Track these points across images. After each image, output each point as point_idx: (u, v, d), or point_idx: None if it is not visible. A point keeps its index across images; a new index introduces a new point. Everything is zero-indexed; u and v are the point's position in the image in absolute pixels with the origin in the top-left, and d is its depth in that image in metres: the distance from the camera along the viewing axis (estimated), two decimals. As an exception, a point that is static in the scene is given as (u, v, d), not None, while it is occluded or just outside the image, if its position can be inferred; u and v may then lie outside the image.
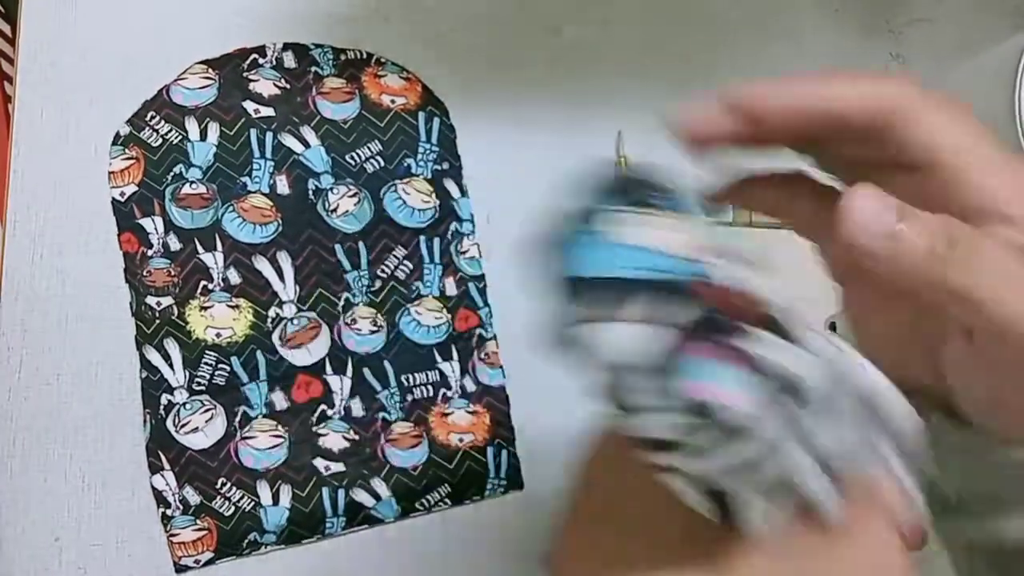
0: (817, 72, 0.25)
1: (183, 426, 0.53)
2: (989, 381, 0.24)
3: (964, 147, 0.23)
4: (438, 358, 0.56)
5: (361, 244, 0.56)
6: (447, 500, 0.55)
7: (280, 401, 0.54)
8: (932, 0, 0.68)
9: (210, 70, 0.56)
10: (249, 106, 0.56)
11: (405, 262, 0.57)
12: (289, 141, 0.56)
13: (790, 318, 0.23)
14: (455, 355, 0.56)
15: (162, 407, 0.53)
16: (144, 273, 0.54)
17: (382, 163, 0.57)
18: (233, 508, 0.53)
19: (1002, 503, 0.26)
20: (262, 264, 0.55)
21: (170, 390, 0.53)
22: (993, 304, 0.21)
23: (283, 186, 0.56)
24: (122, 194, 0.54)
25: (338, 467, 0.54)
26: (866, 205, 0.22)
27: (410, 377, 0.56)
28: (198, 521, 0.52)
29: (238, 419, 0.53)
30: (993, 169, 0.23)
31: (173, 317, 0.54)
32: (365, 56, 0.59)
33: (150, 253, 0.54)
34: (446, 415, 0.55)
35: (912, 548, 0.25)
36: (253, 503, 0.53)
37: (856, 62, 0.67)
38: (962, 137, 0.23)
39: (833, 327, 0.53)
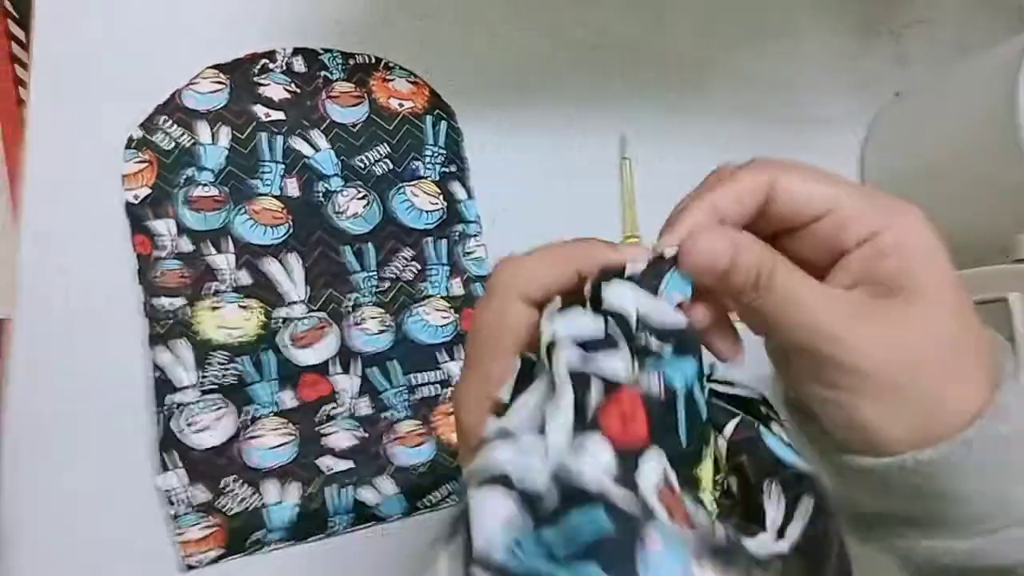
0: (704, 187, 0.30)
1: (192, 425, 0.53)
2: (812, 397, 0.28)
3: (826, 197, 0.28)
4: (444, 357, 0.57)
5: (369, 245, 0.57)
6: (453, 498, 0.56)
7: (288, 400, 0.55)
8: (932, 0, 0.69)
9: (221, 74, 0.57)
10: (259, 110, 0.57)
11: (412, 263, 0.58)
12: (299, 144, 0.57)
13: None
14: (461, 355, 0.57)
15: (172, 406, 0.53)
16: (156, 274, 0.54)
17: (390, 166, 0.58)
18: (240, 506, 0.53)
19: (904, 521, 0.29)
20: (272, 265, 0.56)
21: (181, 389, 0.54)
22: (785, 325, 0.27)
23: (293, 189, 0.57)
24: (135, 196, 0.55)
25: (345, 465, 0.54)
26: (703, 246, 0.27)
27: (416, 376, 0.56)
28: (205, 520, 0.53)
29: (247, 418, 0.54)
30: (854, 206, 0.27)
31: (184, 317, 0.54)
32: (373, 60, 0.60)
33: (162, 255, 0.55)
34: (452, 414, 0.56)
35: None
36: (260, 501, 0.53)
37: (856, 63, 0.67)
38: (819, 189, 0.28)
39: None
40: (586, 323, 0.27)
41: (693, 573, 0.22)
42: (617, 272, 0.28)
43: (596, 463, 0.24)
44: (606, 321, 0.27)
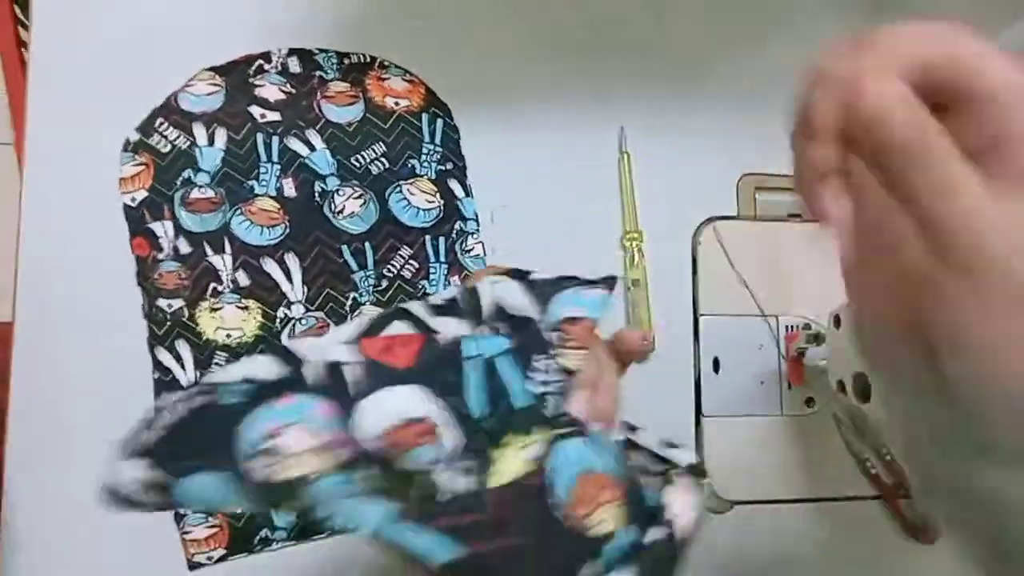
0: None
1: (195, 426, 0.54)
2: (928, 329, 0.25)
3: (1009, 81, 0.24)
4: (444, 356, 0.57)
5: (367, 244, 0.57)
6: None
7: (289, 400, 0.55)
8: (934, -9, 0.68)
9: (217, 76, 0.57)
10: (255, 111, 0.57)
11: (411, 261, 0.58)
12: (295, 145, 0.57)
13: None
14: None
15: (174, 407, 0.54)
16: (155, 276, 0.55)
17: (387, 164, 0.58)
18: (245, 506, 0.53)
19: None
20: (270, 266, 0.56)
21: (182, 390, 0.54)
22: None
23: (290, 189, 0.57)
24: (133, 199, 0.55)
25: (347, 464, 0.55)
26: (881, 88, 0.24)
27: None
28: (210, 519, 0.53)
29: (248, 418, 0.54)
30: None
31: (184, 319, 0.55)
32: (368, 59, 0.59)
33: (161, 257, 0.55)
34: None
35: None
36: (264, 501, 0.54)
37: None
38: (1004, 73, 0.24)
39: (837, 320, 0.53)
40: (448, 296, 0.33)
41: (285, 433, 0.27)
42: (525, 273, 0.34)
43: (322, 351, 0.29)
44: (461, 298, 0.33)
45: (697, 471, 0.31)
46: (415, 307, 0.32)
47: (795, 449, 0.61)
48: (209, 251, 0.55)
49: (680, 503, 0.30)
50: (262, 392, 0.28)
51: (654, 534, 0.29)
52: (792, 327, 0.62)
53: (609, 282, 0.34)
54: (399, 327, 0.31)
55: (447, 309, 0.32)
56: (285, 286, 0.56)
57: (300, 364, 0.29)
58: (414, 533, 0.27)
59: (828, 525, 0.61)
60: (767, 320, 0.62)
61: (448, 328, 0.31)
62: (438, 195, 0.58)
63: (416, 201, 0.58)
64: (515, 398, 0.30)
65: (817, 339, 0.60)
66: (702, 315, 0.61)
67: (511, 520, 0.27)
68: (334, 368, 0.29)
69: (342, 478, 0.27)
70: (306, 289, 0.56)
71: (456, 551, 0.27)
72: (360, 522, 0.27)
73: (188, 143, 0.56)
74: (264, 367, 0.29)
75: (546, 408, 0.30)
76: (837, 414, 0.61)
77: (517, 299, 0.32)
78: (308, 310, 0.56)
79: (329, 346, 0.30)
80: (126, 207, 0.55)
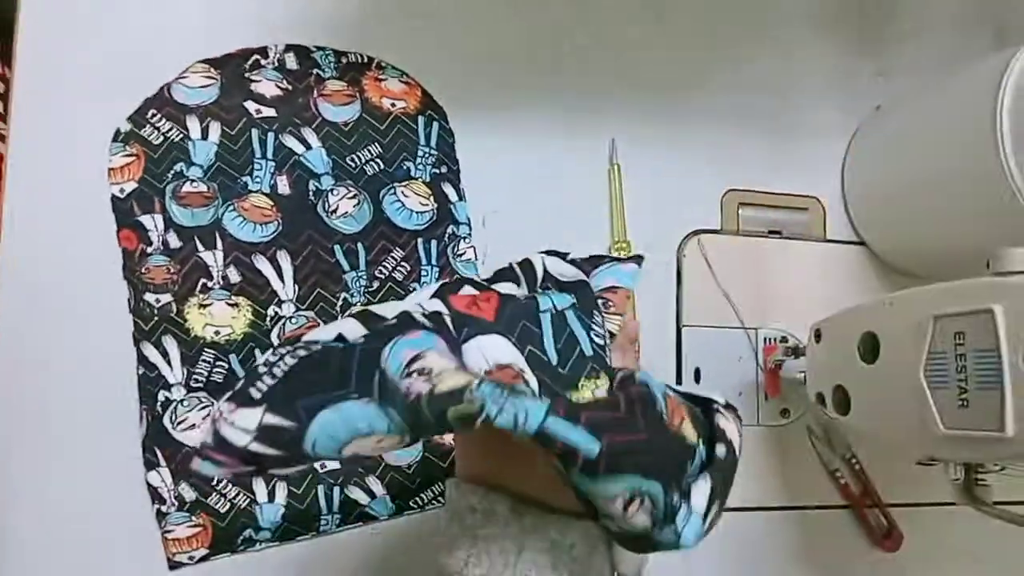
0: None
1: (180, 423, 0.53)
2: None
3: None
4: (434, 358, 0.57)
5: (360, 245, 0.57)
6: (441, 498, 0.56)
7: (277, 399, 0.54)
8: (917, 18, 0.70)
9: (212, 69, 0.57)
10: (251, 106, 0.56)
11: (403, 263, 0.58)
12: (290, 142, 0.57)
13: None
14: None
15: (159, 404, 0.53)
16: (143, 270, 0.54)
17: (382, 165, 0.58)
18: (229, 505, 0.53)
19: None
20: (262, 263, 0.55)
21: (168, 387, 0.53)
22: None
23: (284, 186, 0.56)
24: (121, 191, 0.54)
25: (334, 465, 0.54)
26: None
27: (407, 377, 0.57)
28: (193, 518, 0.53)
29: (235, 416, 0.54)
30: None
31: (172, 314, 0.54)
32: (366, 60, 0.59)
33: (149, 250, 0.54)
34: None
35: None
36: (249, 500, 0.53)
37: (843, 77, 0.68)
38: None
39: (818, 334, 0.55)
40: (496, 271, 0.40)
41: (426, 355, 0.29)
42: (564, 254, 0.40)
43: (416, 306, 0.34)
44: (514, 267, 0.39)
45: (732, 407, 0.36)
46: (472, 278, 0.38)
47: (770, 458, 0.63)
48: (200, 246, 0.55)
49: (731, 428, 0.35)
50: (385, 331, 0.31)
51: (720, 449, 0.33)
52: (770, 339, 0.64)
53: (637, 259, 0.40)
54: (469, 289, 0.35)
55: (501, 277, 0.38)
56: (276, 284, 0.55)
57: (397, 316, 0.33)
58: (567, 428, 0.29)
59: (798, 532, 0.63)
60: (747, 332, 0.63)
61: (504, 288, 0.36)
62: (432, 198, 0.59)
63: (410, 203, 0.58)
64: (584, 347, 0.34)
65: (795, 352, 0.62)
66: (685, 326, 0.63)
67: (637, 419, 0.31)
68: (437, 316, 0.33)
69: (494, 384, 0.29)
70: (297, 288, 0.56)
71: (599, 444, 0.29)
72: (527, 415, 0.28)
73: (181, 135, 0.55)
74: (353, 327, 0.33)
75: (607, 357, 0.34)
76: (810, 425, 0.63)
77: (566, 268, 0.37)
78: (299, 309, 0.56)
79: (419, 302, 0.34)
80: (114, 198, 0.54)
